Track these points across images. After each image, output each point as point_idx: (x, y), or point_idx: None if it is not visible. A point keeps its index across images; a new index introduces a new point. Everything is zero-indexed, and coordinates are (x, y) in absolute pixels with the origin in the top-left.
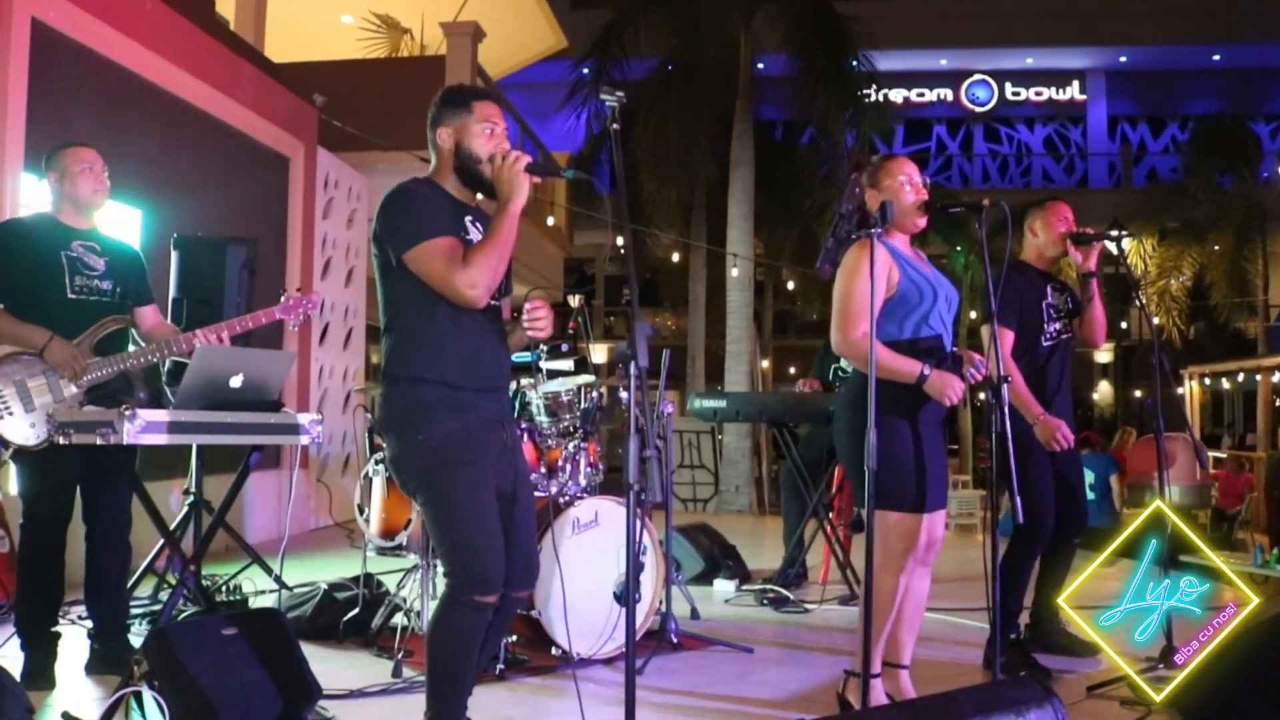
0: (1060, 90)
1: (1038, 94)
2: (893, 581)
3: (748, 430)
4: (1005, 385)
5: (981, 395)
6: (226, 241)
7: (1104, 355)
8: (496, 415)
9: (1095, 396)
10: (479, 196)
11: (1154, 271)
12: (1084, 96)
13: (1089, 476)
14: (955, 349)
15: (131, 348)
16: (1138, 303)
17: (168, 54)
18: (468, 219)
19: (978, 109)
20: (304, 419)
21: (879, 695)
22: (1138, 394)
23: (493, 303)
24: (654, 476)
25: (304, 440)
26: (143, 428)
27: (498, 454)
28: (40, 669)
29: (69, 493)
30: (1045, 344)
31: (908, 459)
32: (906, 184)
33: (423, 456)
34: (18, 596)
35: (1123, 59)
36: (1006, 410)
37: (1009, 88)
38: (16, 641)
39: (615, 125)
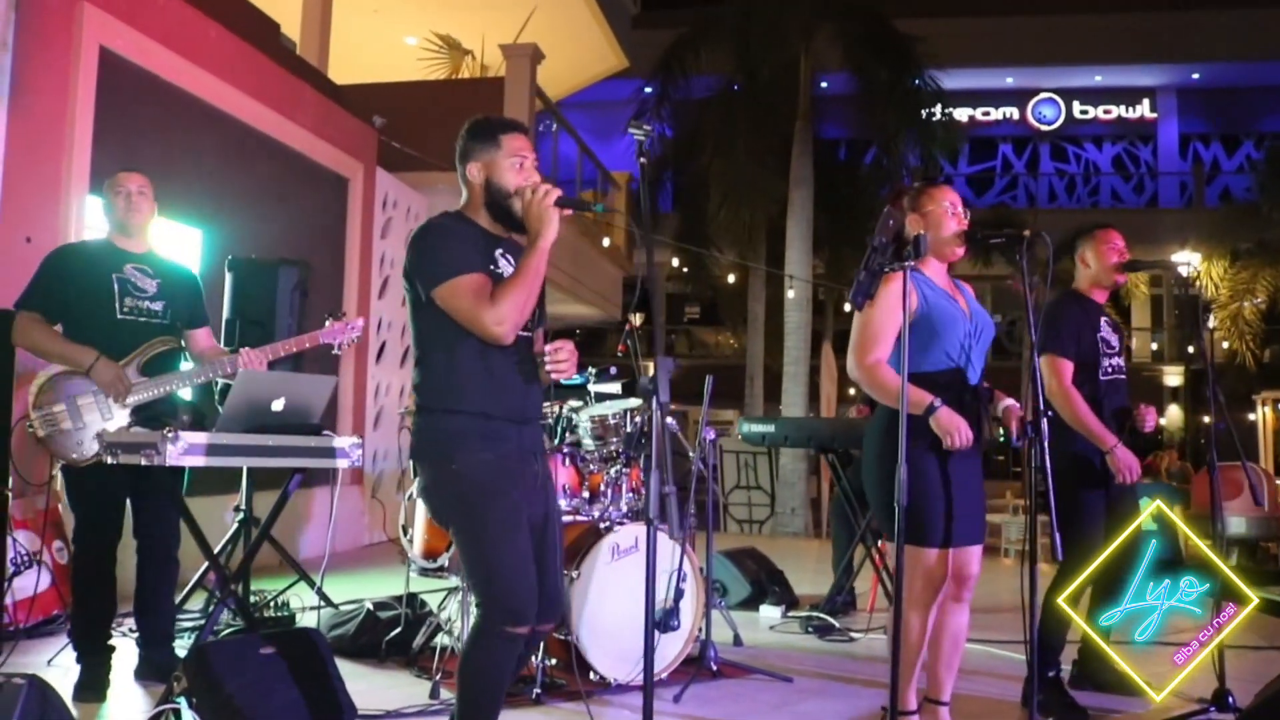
0: (1130, 108)
1: (1106, 112)
2: (915, 619)
3: (804, 451)
4: (1045, 419)
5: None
6: (278, 264)
7: (1174, 378)
8: (529, 447)
9: (1163, 421)
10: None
11: (1225, 294)
12: (1154, 114)
13: (1146, 505)
14: (986, 384)
15: (184, 368)
16: (1206, 328)
17: (230, 79)
18: (498, 251)
19: (1045, 128)
20: (343, 442)
21: None
22: (1206, 420)
23: (523, 334)
24: (672, 512)
25: (342, 464)
26: (185, 449)
27: (530, 485)
28: (93, 681)
29: (117, 509)
30: (1103, 379)
31: (932, 494)
32: (950, 212)
33: (458, 485)
34: (72, 609)
35: (1195, 76)
36: (1047, 445)
37: (1077, 106)
38: (73, 653)
39: (643, 159)
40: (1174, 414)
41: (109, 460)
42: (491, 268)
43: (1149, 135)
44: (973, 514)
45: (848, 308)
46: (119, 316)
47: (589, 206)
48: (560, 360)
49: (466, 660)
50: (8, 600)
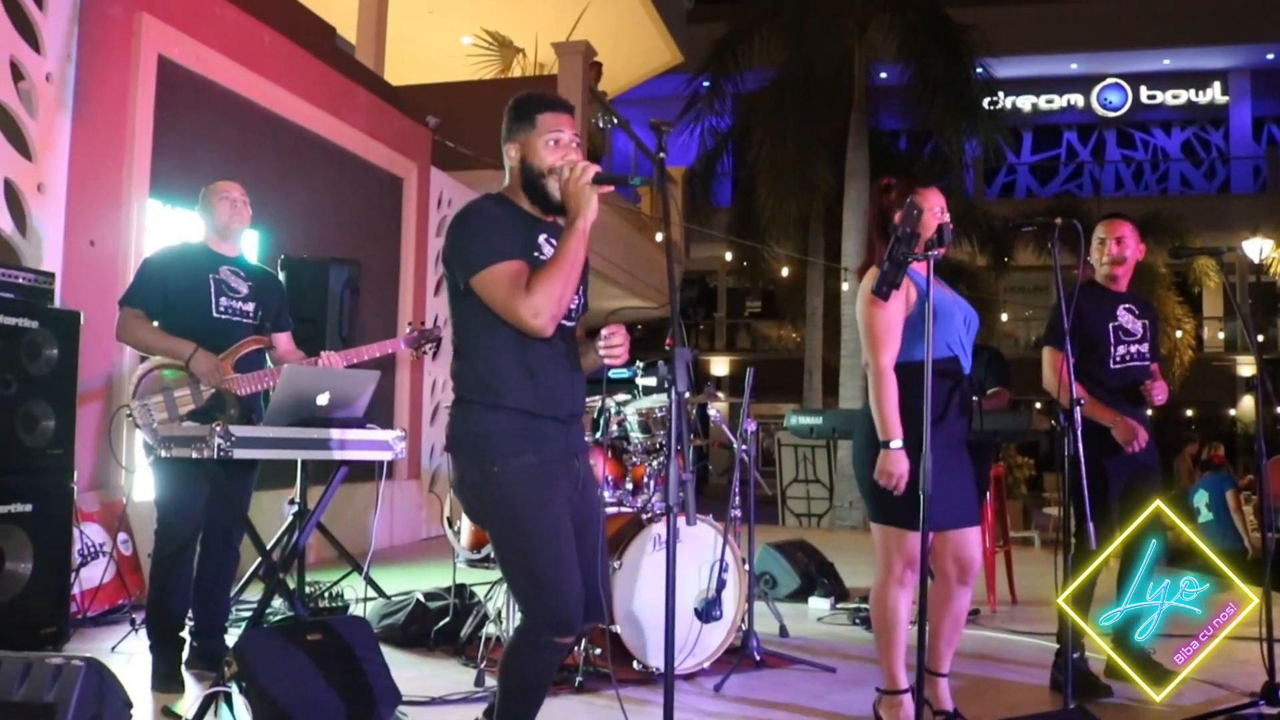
0: (1200, 92)
1: (1175, 96)
2: (902, 598)
3: None
4: (1078, 408)
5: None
6: (329, 262)
7: (1248, 368)
8: (568, 448)
9: (1233, 412)
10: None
11: None
12: (1226, 98)
13: (1204, 497)
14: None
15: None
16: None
17: (285, 83)
18: (542, 236)
19: (1110, 114)
20: (388, 435)
21: (907, 712)
22: None
23: (565, 324)
24: (690, 500)
25: (386, 456)
26: (233, 443)
27: (571, 487)
28: (171, 672)
29: (200, 502)
30: (1113, 366)
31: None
32: (936, 216)
33: (500, 489)
34: (149, 601)
35: (1269, 56)
36: (1079, 432)
37: (1144, 91)
38: (135, 640)
39: (663, 154)
40: (1247, 405)
41: (163, 454)
42: (535, 254)
43: (1220, 119)
44: (961, 498)
45: None
46: (214, 315)
47: (627, 181)
48: (615, 345)
49: (510, 662)
50: (75, 590)
